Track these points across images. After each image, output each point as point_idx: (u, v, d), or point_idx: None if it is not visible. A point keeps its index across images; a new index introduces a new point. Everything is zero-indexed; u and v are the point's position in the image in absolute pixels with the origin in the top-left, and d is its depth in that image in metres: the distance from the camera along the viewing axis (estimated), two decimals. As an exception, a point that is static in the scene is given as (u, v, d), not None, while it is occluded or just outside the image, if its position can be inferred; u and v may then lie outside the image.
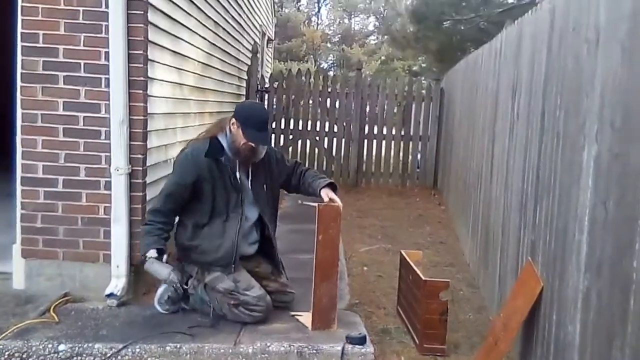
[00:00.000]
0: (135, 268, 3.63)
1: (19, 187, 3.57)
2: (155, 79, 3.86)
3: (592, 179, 2.04)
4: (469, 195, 5.27)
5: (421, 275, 3.23)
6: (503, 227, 3.59)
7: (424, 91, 8.63)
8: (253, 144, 3.21)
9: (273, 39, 12.97)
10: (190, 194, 3.23)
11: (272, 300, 3.27)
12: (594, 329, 2.00)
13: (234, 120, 3.23)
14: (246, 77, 8.20)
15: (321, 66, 38.59)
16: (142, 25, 3.54)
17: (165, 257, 3.19)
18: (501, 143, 3.84)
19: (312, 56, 38.14)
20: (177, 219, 3.36)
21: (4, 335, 2.91)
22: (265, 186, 3.38)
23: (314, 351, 2.88)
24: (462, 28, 9.74)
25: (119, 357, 2.81)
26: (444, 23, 9.78)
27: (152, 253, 3.16)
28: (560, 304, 2.38)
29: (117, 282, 3.48)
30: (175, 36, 4.42)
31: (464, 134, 5.99)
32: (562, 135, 2.44)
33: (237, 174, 3.27)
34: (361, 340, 2.95)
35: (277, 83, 8.66)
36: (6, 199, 5.58)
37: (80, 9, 3.48)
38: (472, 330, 3.55)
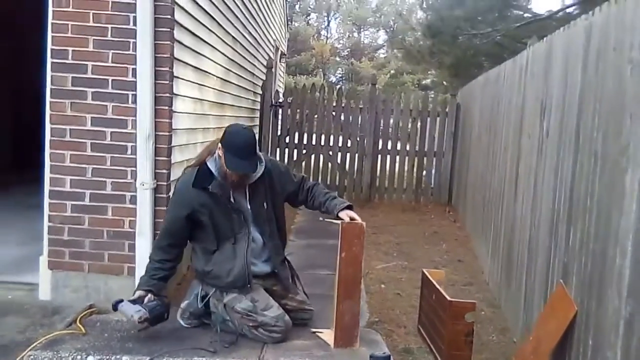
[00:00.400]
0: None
1: (46, 200, 3.62)
2: (178, 95, 3.90)
3: (637, 202, 2.02)
4: (488, 213, 5.24)
5: (446, 296, 3.20)
6: (530, 248, 3.56)
7: (439, 106, 8.62)
8: (234, 174, 3.13)
9: (286, 53, 13.03)
10: (189, 226, 3.18)
11: (291, 318, 3.24)
12: (637, 356, 1.97)
13: (220, 145, 3.15)
14: (261, 92, 8.24)
15: (330, 80, 38.74)
16: (168, 42, 3.58)
17: (149, 297, 3.12)
18: (527, 161, 3.82)
19: (321, 70, 38.32)
20: (181, 250, 3.33)
21: (33, 345, 2.96)
22: (265, 204, 3.30)
23: (339, 370, 2.86)
24: (478, 42, 9.74)
25: (146, 370, 2.80)
26: (460, 37, 9.79)
27: (137, 294, 3.13)
28: (597, 329, 2.35)
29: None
30: (198, 52, 4.46)
31: (482, 149, 5.98)
32: (601, 156, 2.42)
33: (232, 197, 3.19)
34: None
35: (291, 98, 8.69)
36: (33, 210, 5.64)
37: (109, 26, 3.52)
38: (496, 352, 3.51)
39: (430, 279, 3.58)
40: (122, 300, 3.10)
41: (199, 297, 3.27)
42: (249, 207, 3.26)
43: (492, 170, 5.22)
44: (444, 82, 14.33)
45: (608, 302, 2.25)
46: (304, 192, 3.47)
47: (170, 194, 3.72)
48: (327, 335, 3.22)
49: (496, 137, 5.16)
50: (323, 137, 8.61)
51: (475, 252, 5.87)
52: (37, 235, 4.24)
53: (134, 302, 3.07)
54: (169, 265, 3.23)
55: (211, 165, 3.17)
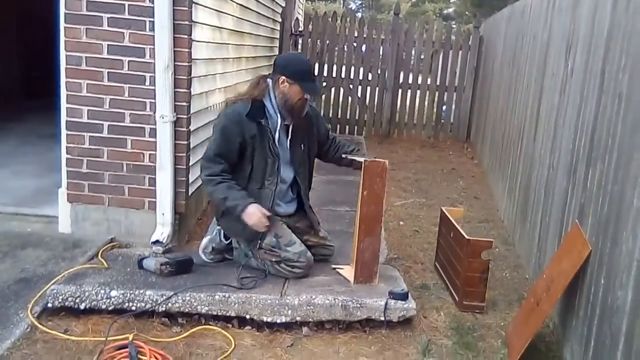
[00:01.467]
0: (180, 216, 3.69)
1: (63, 132, 3.60)
2: (197, 22, 3.79)
3: (660, 147, 1.98)
4: (506, 151, 5.20)
5: (465, 234, 3.23)
6: (547, 187, 3.54)
7: (461, 39, 8.39)
8: (307, 97, 3.14)
9: (306, -20, 12.65)
10: (236, 156, 3.13)
11: (312, 254, 3.28)
12: (649, 297, 1.99)
13: (283, 78, 3.11)
14: (280, 20, 8.05)
15: (349, 7, 37.71)
16: (187, -35, 3.45)
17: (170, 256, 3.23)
18: (549, 100, 3.74)
19: (340, -4, 37.24)
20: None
21: (56, 279, 2.99)
22: (302, 145, 3.31)
23: (358, 305, 2.93)
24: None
25: (169, 304, 2.87)
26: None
27: (251, 206, 3.05)
28: (610, 269, 2.36)
29: (163, 230, 3.55)
30: (216, -23, 4.32)
31: (504, 86, 5.86)
32: (626, 97, 2.36)
33: (277, 137, 3.18)
34: (403, 296, 2.98)
35: (311, 27, 8.49)
36: (46, 139, 5.71)
37: (126, -52, 3.39)
38: (509, 288, 3.57)
39: (449, 216, 3.60)
40: (145, 257, 3.20)
41: (221, 233, 3.32)
42: (289, 146, 3.25)
43: (513, 107, 5.13)
44: (467, 13, 13.89)
45: (622, 243, 2.25)
46: (330, 141, 3.50)
47: (191, 127, 3.74)
48: (347, 271, 3.28)
49: (519, 73, 5.04)
50: (344, 69, 8.47)
51: (492, 190, 5.87)
52: (52, 166, 4.27)
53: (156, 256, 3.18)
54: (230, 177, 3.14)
55: (266, 102, 3.15)
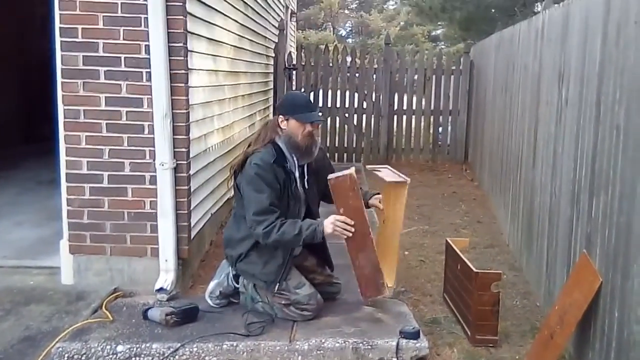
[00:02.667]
0: (183, 262, 3.66)
1: (63, 184, 3.58)
2: (193, 69, 3.83)
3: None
4: (506, 176, 5.20)
5: (472, 267, 3.20)
6: (550, 215, 3.54)
7: (453, 64, 8.46)
8: (312, 128, 3.13)
9: (296, 12, 12.79)
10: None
11: (319, 292, 3.25)
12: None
13: (281, 117, 3.15)
14: (273, 55, 8.12)
15: (339, 33, 38.10)
16: (181, 16, 3.49)
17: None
18: (546, 128, 3.76)
19: (330, 24, 37.63)
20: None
21: (61, 336, 2.94)
22: (316, 186, 3.31)
23: (369, 347, 2.89)
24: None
25: (177, 357, 2.84)
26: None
27: (310, 228, 3.01)
28: (623, 302, 2.35)
29: (167, 277, 3.51)
30: (210, 23, 4.37)
31: (498, 111, 5.89)
32: (624, 130, 2.37)
33: (297, 180, 3.19)
34: (415, 335, 2.95)
35: (304, 61, 8.55)
36: (45, 186, 5.69)
37: (119, 2, 3.43)
38: (521, 318, 3.53)
39: (455, 248, 3.58)
40: (149, 308, 3.18)
41: (230, 277, 3.29)
42: (306, 187, 3.25)
43: (509, 133, 5.15)
44: (455, 36, 14.07)
45: (634, 277, 2.24)
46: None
47: (191, 171, 3.73)
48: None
49: (512, 100, 5.07)
50: (338, 98, 8.52)
51: (494, 213, 5.85)
52: (52, 215, 4.25)
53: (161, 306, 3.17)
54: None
55: (280, 143, 3.16)
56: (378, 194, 3.42)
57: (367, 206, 3.30)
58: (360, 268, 3.16)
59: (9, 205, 5.27)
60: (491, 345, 3.14)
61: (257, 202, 3.02)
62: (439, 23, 16.86)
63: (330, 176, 3.07)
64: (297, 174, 3.20)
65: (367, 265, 3.15)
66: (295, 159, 3.18)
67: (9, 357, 2.82)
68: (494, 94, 6.30)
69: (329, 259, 3.47)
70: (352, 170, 3.08)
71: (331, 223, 3.01)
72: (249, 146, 3.24)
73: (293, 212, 3.17)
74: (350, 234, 3.03)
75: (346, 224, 3.02)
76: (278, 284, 3.12)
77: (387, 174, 3.54)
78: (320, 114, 3.32)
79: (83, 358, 2.81)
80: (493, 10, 10.71)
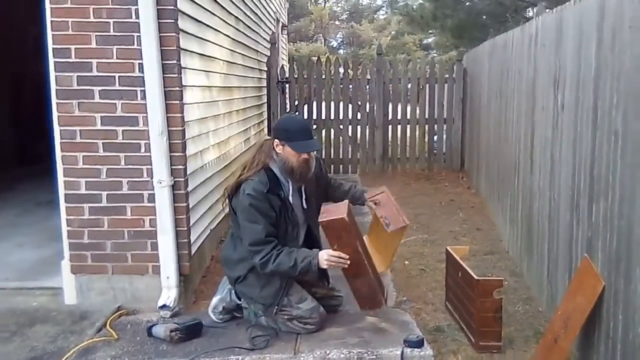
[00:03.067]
0: (185, 278, 3.66)
1: (62, 204, 3.59)
2: (187, 85, 3.84)
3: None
4: (504, 183, 5.22)
5: (473, 275, 3.21)
6: (550, 220, 3.55)
7: (446, 72, 8.50)
8: (307, 156, 3.10)
9: (287, 25, 12.85)
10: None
11: (321, 305, 3.26)
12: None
13: (277, 141, 3.12)
14: (266, 69, 8.15)
15: (331, 44, 38.26)
16: (174, 34, 3.51)
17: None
18: (542, 133, 3.78)
19: (321, 35, 37.81)
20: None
21: (67, 356, 2.94)
22: (315, 202, 3.30)
23: (374, 356, 2.89)
24: (479, 1, 9.56)
25: (183, 374, 2.83)
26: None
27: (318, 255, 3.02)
28: (627, 305, 2.36)
29: (169, 293, 3.51)
30: (202, 39, 4.39)
31: (494, 117, 5.92)
32: (622, 136, 2.39)
33: (292, 203, 3.17)
34: (419, 344, 2.95)
35: (296, 74, 8.59)
36: (43, 207, 5.68)
37: (111, 21, 3.44)
38: (524, 323, 3.54)
39: (455, 256, 3.59)
40: (153, 325, 3.19)
41: (232, 292, 3.30)
42: (305, 207, 3.24)
43: (505, 139, 5.17)
44: (447, 44, 14.16)
45: (637, 280, 2.25)
46: (330, 184, 3.53)
47: (189, 188, 3.74)
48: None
49: (507, 105, 5.10)
50: (332, 110, 8.55)
51: (493, 220, 5.87)
52: (53, 236, 4.26)
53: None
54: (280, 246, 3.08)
55: (274, 168, 3.13)
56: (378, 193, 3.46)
57: (362, 204, 3.40)
58: (358, 290, 3.20)
59: (9, 227, 5.26)
60: (495, 351, 3.14)
61: (253, 232, 3.03)
62: (430, 31, 16.97)
63: (322, 217, 3.05)
64: (292, 200, 3.17)
65: (363, 286, 3.19)
66: (290, 184, 3.18)
67: (14, 379, 2.82)
68: (488, 101, 6.34)
69: (326, 273, 3.44)
70: (344, 209, 3.06)
71: (325, 260, 3.01)
72: (243, 169, 3.21)
73: (292, 237, 3.17)
74: (346, 266, 3.05)
75: (340, 257, 3.02)
76: (276, 306, 3.12)
77: (387, 213, 3.49)
78: (316, 139, 3.31)
79: (89, 378, 2.80)
80: (484, 17, 10.78)
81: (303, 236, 3.30)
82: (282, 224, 3.11)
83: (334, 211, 3.09)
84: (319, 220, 3.06)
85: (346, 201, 3.22)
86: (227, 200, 3.23)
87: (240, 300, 3.28)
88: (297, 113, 8.24)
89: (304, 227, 3.29)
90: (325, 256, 3.01)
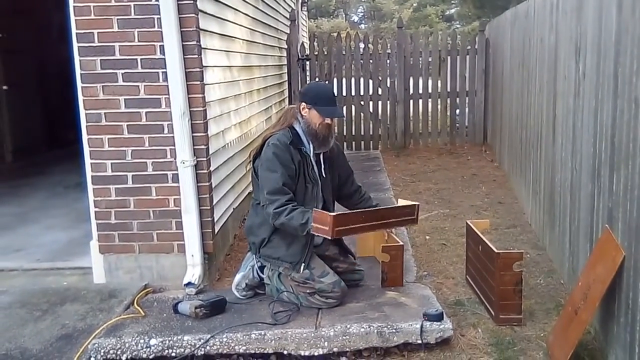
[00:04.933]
0: (209, 256, 3.74)
1: (90, 186, 3.68)
2: (208, 66, 3.88)
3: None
4: (526, 154, 5.18)
5: (494, 248, 3.22)
6: (572, 191, 3.53)
7: (468, 43, 8.38)
8: (330, 122, 3.25)
9: (307, 0, 12.77)
10: (294, 183, 3.19)
11: (342, 279, 3.30)
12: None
13: (303, 104, 3.26)
14: (286, 46, 8.14)
15: (352, 19, 37.91)
16: (193, 14, 3.53)
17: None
18: (564, 102, 3.73)
19: (342, 10, 37.46)
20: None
21: (96, 333, 3.04)
22: (330, 173, 3.41)
23: (394, 330, 2.93)
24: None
25: (207, 347, 2.91)
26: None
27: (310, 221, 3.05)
28: (646, 275, 2.35)
29: (194, 271, 3.59)
30: (222, 18, 4.41)
31: (516, 88, 5.85)
32: (642, 103, 2.36)
33: (314, 164, 3.30)
34: (439, 317, 2.98)
35: (316, 51, 8.56)
36: (72, 190, 5.83)
37: (131, 4, 3.48)
38: (544, 295, 3.54)
39: (475, 229, 3.60)
40: (179, 302, 3.27)
41: (255, 269, 3.38)
42: (322, 175, 3.34)
43: (528, 110, 5.12)
44: (469, 14, 13.91)
45: (656, 250, 2.24)
46: (353, 187, 3.57)
47: (211, 167, 3.80)
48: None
49: (530, 75, 5.03)
50: (353, 86, 8.52)
51: (515, 193, 5.83)
52: (81, 217, 4.40)
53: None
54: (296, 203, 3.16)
55: (297, 128, 3.27)
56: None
57: None
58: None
59: (40, 210, 5.42)
60: (515, 324, 3.16)
61: (271, 181, 3.13)
62: (452, 2, 16.69)
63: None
64: (313, 159, 3.28)
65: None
66: (311, 145, 3.27)
67: (48, 354, 2.93)
68: (511, 72, 6.25)
69: (347, 248, 3.55)
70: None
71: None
72: (268, 128, 3.35)
73: (311, 196, 3.25)
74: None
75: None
76: (303, 263, 3.18)
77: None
78: (343, 107, 3.45)
79: (119, 352, 2.90)
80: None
81: (320, 205, 3.33)
82: (302, 180, 3.22)
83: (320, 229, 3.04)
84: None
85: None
86: (251, 163, 3.34)
87: (262, 275, 3.35)
88: (327, 82, 8.23)
89: (320, 194, 3.34)
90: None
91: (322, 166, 3.36)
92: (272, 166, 3.15)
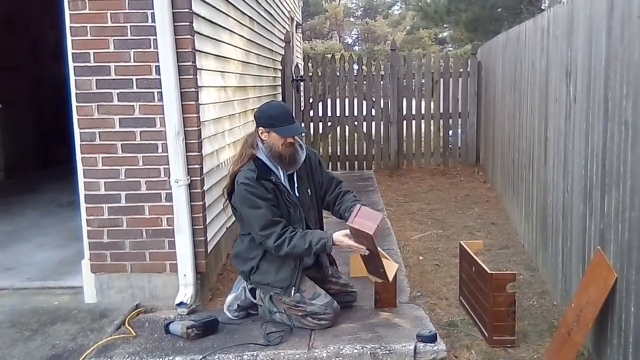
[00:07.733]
0: (202, 276, 3.72)
1: (83, 205, 3.67)
2: (203, 86, 3.90)
3: (673, 176, 2.00)
4: (519, 176, 5.21)
5: (486, 269, 3.22)
6: (564, 213, 3.55)
7: (460, 66, 8.47)
8: (292, 140, 3.18)
9: (301, 23, 12.89)
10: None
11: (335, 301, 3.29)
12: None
13: (261, 129, 3.21)
14: (281, 67, 8.20)
15: (346, 41, 38.26)
16: (189, 36, 3.57)
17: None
18: (556, 125, 3.77)
19: (336, 32, 37.80)
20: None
21: (87, 353, 3.01)
22: (309, 190, 3.37)
23: (387, 352, 2.92)
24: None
25: (199, 369, 2.89)
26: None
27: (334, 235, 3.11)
28: (639, 297, 2.36)
29: (186, 291, 3.57)
30: (217, 40, 4.45)
31: (508, 110, 5.90)
32: (632, 126, 2.39)
33: (289, 189, 3.24)
34: (432, 338, 2.98)
35: (311, 72, 8.62)
36: (65, 209, 5.81)
37: (128, 25, 3.51)
38: (538, 317, 3.54)
39: (468, 250, 3.60)
40: (171, 322, 3.25)
41: (247, 290, 3.36)
42: (297, 194, 3.30)
43: (520, 132, 5.16)
44: (462, 37, 14.09)
45: (648, 272, 2.25)
46: (335, 193, 3.49)
47: (205, 187, 3.80)
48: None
49: (521, 98, 5.09)
50: (347, 107, 8.58)
51: (508, 214, 5.86)
52: (73, 236, 4.36)
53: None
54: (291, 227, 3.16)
55: (261, 156, 3.21)
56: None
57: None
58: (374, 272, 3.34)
59: (32, 228, 5.38)
60: (509, 345, 3.15)
61: (258, 217, 3.11)
62: (445, 25, 16.91)
63: (353, 222, 3.05)
64: (286, 184, 3.24)
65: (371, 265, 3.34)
66: (280, 169, 3.23)
67: (37, 376, 2.90)
68: (503, 94, 6.32)
69: (331, 271, 3.53)
70: (374, 224, 3.03)
71: (346, 241, 3.12)
72: (232, 165, 3.31)
73: (294, 218, 3.23)
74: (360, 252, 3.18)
75: (355, 244, 3.13)
76: (294, 287, 3.17)
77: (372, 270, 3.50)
78: (302, 124, 3.38)
79: (109, 374, 2.87)
80: (499, 10, 10.73)
81: (313, 217, 3.34)
82: (282, 206, 3.19)
83: (365, 224, 3.05)
84: (348, 223, 3.08)
85: (380, 214, 3.23)
86: (227, 200, 3.32)
87: (254, 298, 3.34)
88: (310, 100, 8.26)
89: (304, 211, 3.30)
90: (337, 237, 3.10)
91: (296, 184, 3.31)
92: (253, 204, 3.12)
